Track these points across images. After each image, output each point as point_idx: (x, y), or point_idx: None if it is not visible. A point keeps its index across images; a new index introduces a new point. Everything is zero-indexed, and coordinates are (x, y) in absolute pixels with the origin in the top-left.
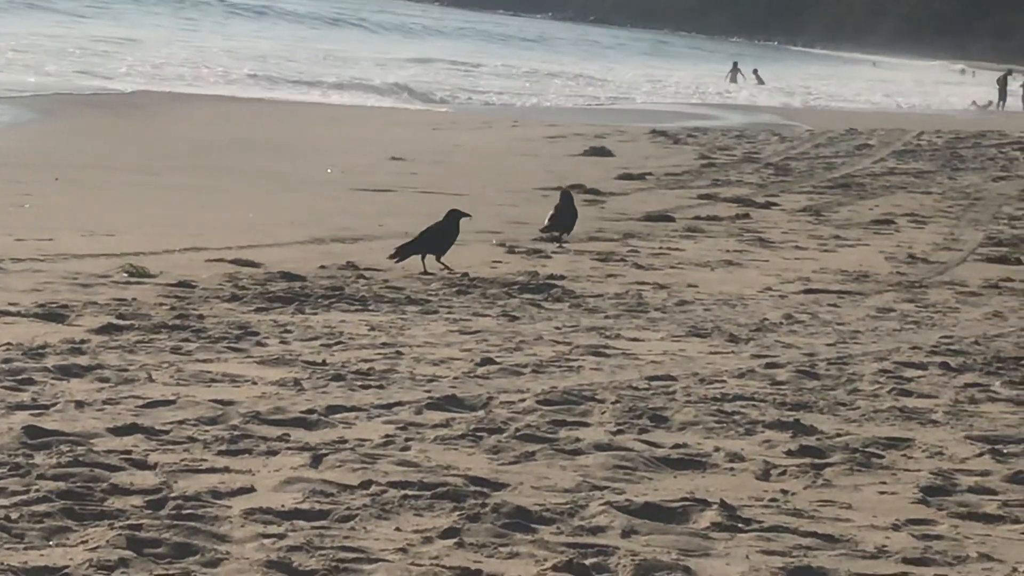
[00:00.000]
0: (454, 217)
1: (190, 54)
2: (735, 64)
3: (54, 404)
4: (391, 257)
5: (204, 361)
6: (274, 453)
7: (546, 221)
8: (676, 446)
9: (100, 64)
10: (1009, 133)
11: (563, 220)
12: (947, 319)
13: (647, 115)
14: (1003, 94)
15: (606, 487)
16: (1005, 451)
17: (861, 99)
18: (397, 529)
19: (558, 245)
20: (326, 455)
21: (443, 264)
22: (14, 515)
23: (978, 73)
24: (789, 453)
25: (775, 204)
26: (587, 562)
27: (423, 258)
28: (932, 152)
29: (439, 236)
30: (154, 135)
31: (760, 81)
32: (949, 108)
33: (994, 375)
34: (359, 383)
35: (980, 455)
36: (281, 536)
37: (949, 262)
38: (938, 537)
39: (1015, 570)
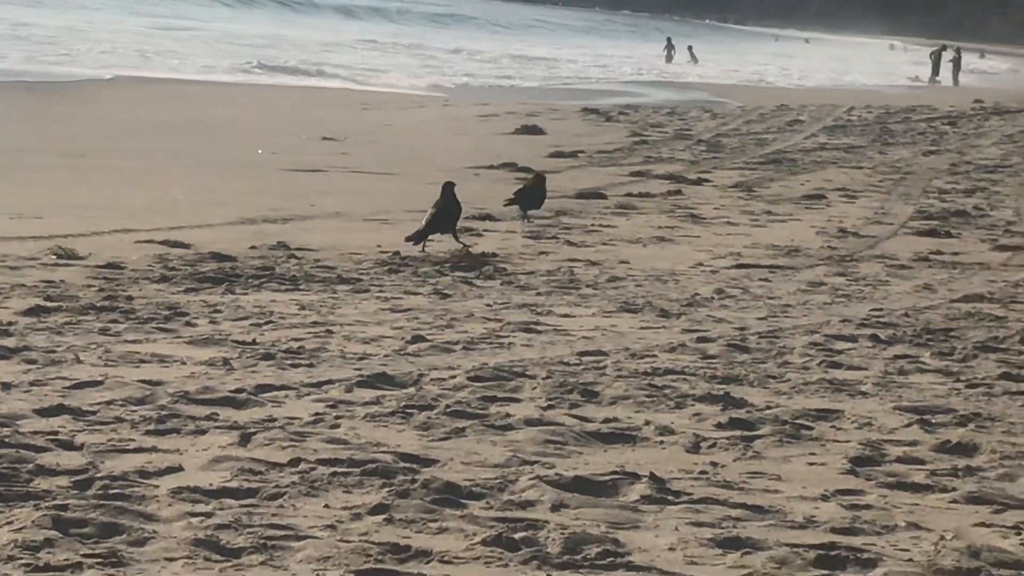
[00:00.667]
0: (450, 189)
1: (135, 40)
2: (669, 41)
3: None
4: (408, 240)
5: (133, 342)
6: (202, 432)
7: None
8: (607, 420)
9: (40, 51)
10: (939, 107)
11: (531, 198)
12: (877, 292)
13: (579, 93)
14: (936, 68)
15: (536, 462)
16: (933, 421)
17: (793, 75)
18: (326, 506)
19: (527, 220)
20: (255, 434)
21: (462, 243)
22: None
23: (909, 49)
24: (719, 426)
25: (707, 180)
26: (516, 536)
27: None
28: (863, 127)
29: (447, 214)
30: (85, 118)
31: (693, 58)
32: (886, 84)
33: (923, 347)
34: (289, 362)
35: (909, 425)
36: (209, 515)
37: (880, 236)
38: (867, 507)
39: (942, 538)
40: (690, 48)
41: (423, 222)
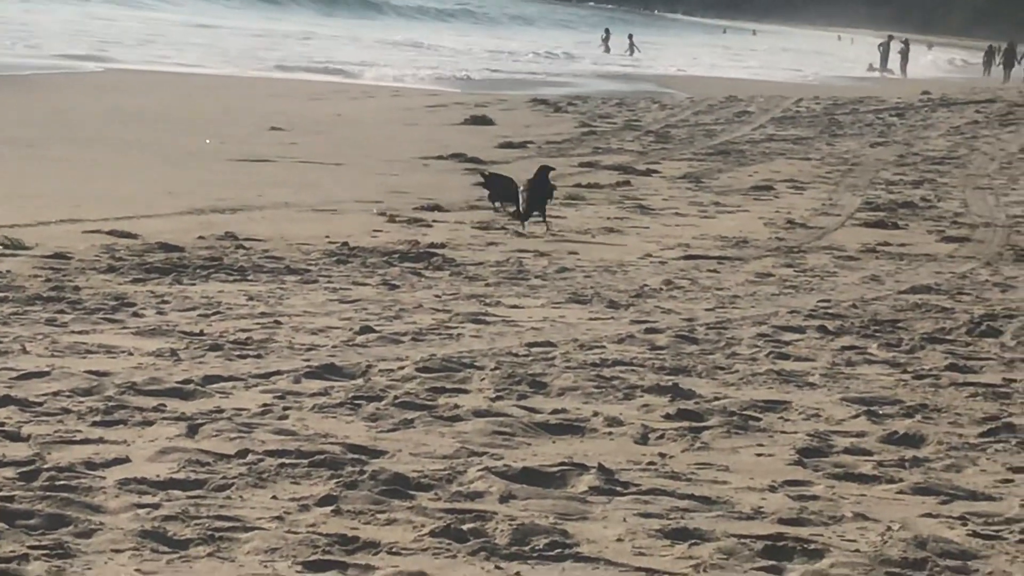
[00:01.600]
0: (544, 173)
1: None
2: (607, 31)
3: None
4: (514, 216)
5: (80, 332)
6: (149, 423)
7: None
8: (555, 411)
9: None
10: (887, 99)
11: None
12: (825, 283)
13: (523, 84)
14: (884, 60)
15: (485, 453)
16: (880, 412)
17: (740, 66)
18: (274, 497)
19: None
20: (202, 425)
21: (548, 223)
22: None
23: (857, 40)
24: (667, 417)
25: (656, 171)
26: (464, 527)
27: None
28: (811, 119)
29: (538, 195)
30: (30, 108)
31: (633, 48)
32: (834, 75)
33: (871, 338)
34: (237, 353)
35: (856, 416)
36: (156, 506)
37: (827, 227)
38: (814, 498)
39: (889, 528)
40: (630, 37)
41: (520, 204)
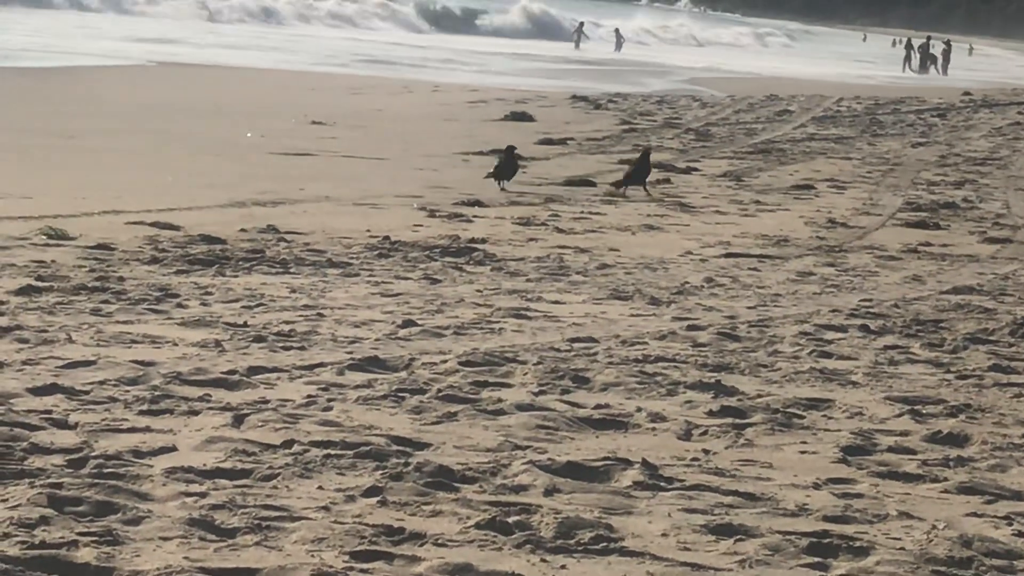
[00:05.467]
0: (646, 154)
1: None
2: (580, 25)
3: None
4: (616, 185)
5: (124, 323)
6: (195, 413)
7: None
8: (598, 406)
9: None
10: (928, 99)
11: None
12: (867, 283)
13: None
14: (924, 61)
15: (528, 447)
16: (924, 412)
17: (780, 66)
18: (319, 488)
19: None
20: (248, 415)
21: (648, 192)
22: None
23: (871, 39)
24: (710, 413)
25: (696, 169)
26: (510, 520)
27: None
28: (852, 118)
29: (641, 171)
30: (73, 100)
31: (619, 42)
32: (873, 75)
33: (913, 338)
34: (280, 344)
35: (899, 415)
36: (203, 495)
37: (868, 227)
38: (858, 496)
39: (934, 527)
40: (617, 31)
41: (624, 175)
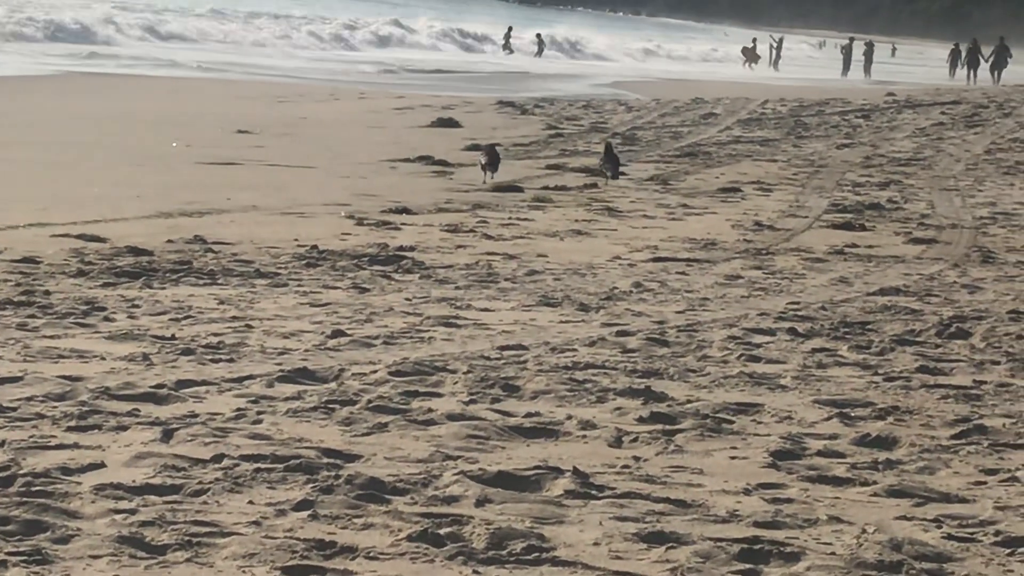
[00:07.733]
0: (611, 146)
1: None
2: (509, 30)
3: None
4: (602, 169)
5: (51, 337)
6: (124, 428)
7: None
8: (528, 415)
9: None
10: (852, 101)
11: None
12: (794, 285)
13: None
14: (847, 63)
15: (459, 457)
16: (852, 415)
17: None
18: (250, 502)
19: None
20: (177, 429)
21: (615, 176)
22: None
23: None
24: (641, 420)
25: (623, 174)
26: (441, 532)
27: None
28: (777, 120)
29: (612, 161)
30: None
31: (540, 47)
32: (801, 77)
33: (841, 340)
34: (209, 357)
35: (828, 419)
36: (132, 511)
37: (795, 229)
38: (788, 500)
39: (864, 531)
40: (538, 36)
41: (599, 164)
